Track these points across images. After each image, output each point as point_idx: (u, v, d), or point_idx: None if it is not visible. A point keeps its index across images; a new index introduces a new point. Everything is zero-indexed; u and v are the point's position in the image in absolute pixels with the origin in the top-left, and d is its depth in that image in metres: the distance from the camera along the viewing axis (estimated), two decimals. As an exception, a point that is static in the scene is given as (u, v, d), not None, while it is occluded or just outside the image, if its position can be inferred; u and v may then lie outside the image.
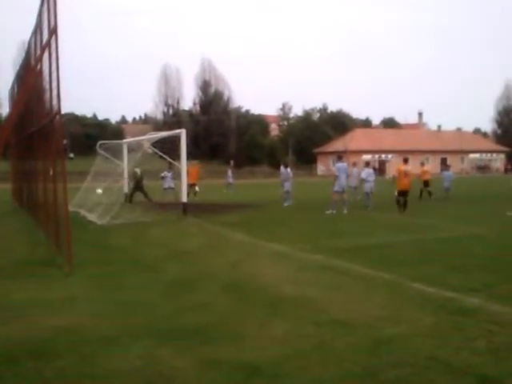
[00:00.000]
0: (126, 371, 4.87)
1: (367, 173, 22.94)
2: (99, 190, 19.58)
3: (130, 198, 24.22)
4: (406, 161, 20.56)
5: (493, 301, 6.98)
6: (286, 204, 23.82)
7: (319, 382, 4.55)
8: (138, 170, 24.64)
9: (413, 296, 7.37)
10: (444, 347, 5.34)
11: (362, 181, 22.95)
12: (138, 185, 24.81)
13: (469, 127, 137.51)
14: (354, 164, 27.61)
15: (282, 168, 25.48)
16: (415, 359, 5.02)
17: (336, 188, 20.23)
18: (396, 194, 20.04)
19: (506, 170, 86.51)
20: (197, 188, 28.69)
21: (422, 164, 31.08)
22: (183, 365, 4.99)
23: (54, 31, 9.16)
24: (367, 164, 24.94)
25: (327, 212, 19.85)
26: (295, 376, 4.70)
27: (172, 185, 26.21)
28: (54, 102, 10.07)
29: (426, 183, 27.81)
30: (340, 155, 22.53)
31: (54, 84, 9.74)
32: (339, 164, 20.99)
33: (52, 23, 9.31)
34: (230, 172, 40.12)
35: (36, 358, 5.18)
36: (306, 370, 4.81)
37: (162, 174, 26.93)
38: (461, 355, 5.11)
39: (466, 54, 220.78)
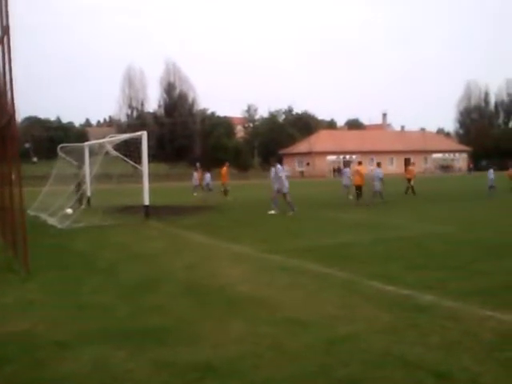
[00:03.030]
0: (78, 375, 4.81)
1: (381, 173, 25.20)
2: (69, 210, 19.10)
3: (87, 201, 23.69)
4: (360, 163, 27.44)
5: (447, 297, 7.08)
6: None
7: (272, 381, 4.55)
8: (81, 172, 24.07)
9: (369, 294, 7.43)
10: (398, 343, 5.39)
11: (381, 180, 24.87)
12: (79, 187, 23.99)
13: (432, 127, 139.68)
14: (347, 164, 29.14)
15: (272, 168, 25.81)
16: (369, 356, 5.05)
17: (285, 190, 20.43)
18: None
19: (469, 169, 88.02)
20: (227, 188, 31.02)
21: (413, 164, 36.73)
22: (137, 367, 4.95)
23: (6, 31, 8.96)
24: (378, 165, 27.20)
25: (289, 214, 19.91)
26: (248, 375, 4.69)
27: None
28: (9, 104, 9.87)
29: (409, 181, 30.13)
30: (279, 157, 22.61)
31: (8, 86, 9.55)
32: (279, 166, 21.21)
33: (4, 22, 9.11)
34: (195, 175, 39.90)
35: (-14, 364, 5.07)
36: (259, 369, 4.80)
37: None
38: (415, 351, 5.16)
39: (428, 56, 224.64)
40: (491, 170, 29.64)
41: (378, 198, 24.33)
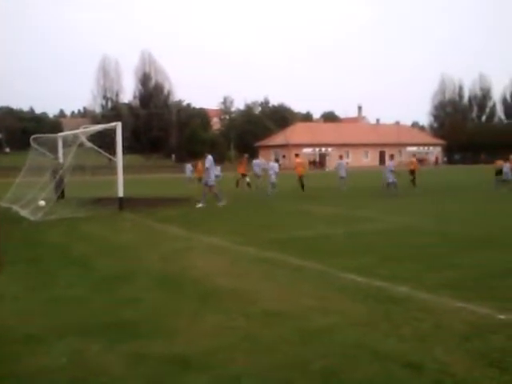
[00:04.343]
0: (51, 369, 4.76)
1: (391, 165, 26.38)
2: (42, 202, 18.83)
3: (61, 193, 23.38)
4: (296, 155, 33.17)
5: (420, 289, 7.16)
6: (271, 192, 26.37)
7: (246, 374, 4.56)
8: (60, 163, 23.74)
9: (344, 286, 7.48)
10: (372, 335, 5.44)
11: (392, 172, 25.70)
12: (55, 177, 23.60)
13: (407, 121, 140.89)
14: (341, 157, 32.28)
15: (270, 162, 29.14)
16: (343, 348, 5.09)
17: (211, 182, 20.63)
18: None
19: (436, 163, 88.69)
20: (248, 179, 31.30)
21: (414, 155, 38.14)
22: (111, 360, 4.92)
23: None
24: (392, 157, 28.72)
25: (219, 204, 20.16)
26: (223, 368, 4.70)
27: None
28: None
29: (413, 172, 30.78)
30: (206, 154, 22.20)
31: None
32: (210, 157, 21.02)
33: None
34: (189, 166, 41.44)
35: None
36: (234, 362, 4.81)
37: None
38: (388, 342, 5.22)
39: (403, 50, 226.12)
40: (508, 164, 29.77)
41: (393, 190, 25.01)
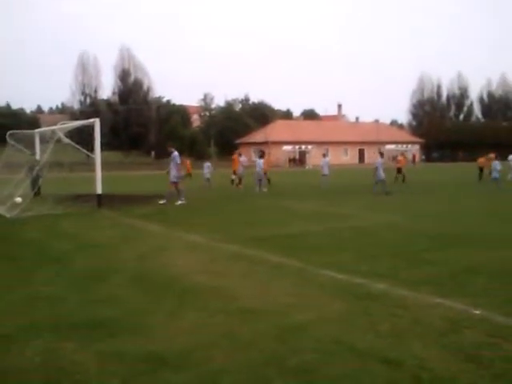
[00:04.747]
0: (24, 368, 4.67)
1: (380, 162, 26.30)
2: (18, 199, 18.55)
3: (37, 189, 23.07)
4: (262, 153, 30.79)
5: (398, 286, 7.19)
6: (263, 190, 26.92)
7: (224, 371, 4.52)
8: (36, 159, 23.46)
9: (322, 283, 7.48)
10: (350, 332, 5.44)
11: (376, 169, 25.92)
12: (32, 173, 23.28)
13: (386, 119, 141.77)
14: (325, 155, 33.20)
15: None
16: (321, 344, 5.08)
17: (175, 179, 20.49)
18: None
19: (413, 161, 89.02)
20: (233, 176, 31.40)
21: (402, 154, 39.85)
22: (86, 359, 4.85)
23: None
24: (381, 155, 28.37)
25: (177, 203, 19.84)
26: (201, 365, 4.66)
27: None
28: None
29: (400, 170, 32.93)
30: (170, 149, 22.00)
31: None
32: (175, 153, 20.85)
33: None
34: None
35: None
36: (212, 360, 4.78)
37: None
38: (366, 339, 5.23)
39: (383, 48, 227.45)
40: (497, 162, 30.18)
41: (380, 187, 25.02)
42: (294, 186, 29.88)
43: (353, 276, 7.79)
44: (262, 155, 29.98)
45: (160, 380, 4.41)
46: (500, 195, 23.35)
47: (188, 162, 43.20)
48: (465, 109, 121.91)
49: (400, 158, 35.31)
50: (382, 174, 25.49)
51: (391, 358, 4.70)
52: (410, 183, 31.92)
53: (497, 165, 29.30)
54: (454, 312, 6.00)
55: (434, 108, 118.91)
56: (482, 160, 34.76)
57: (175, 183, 20.51)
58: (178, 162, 20.70)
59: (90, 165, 25.12)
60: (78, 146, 21.30)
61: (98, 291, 7.28)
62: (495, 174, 28.96)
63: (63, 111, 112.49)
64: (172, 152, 20.96)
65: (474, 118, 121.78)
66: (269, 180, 31.31)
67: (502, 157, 33.65)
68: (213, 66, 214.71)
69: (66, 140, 20.92)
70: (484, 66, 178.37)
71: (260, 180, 27.43)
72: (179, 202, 19.96)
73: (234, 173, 31.57)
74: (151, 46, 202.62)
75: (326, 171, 30.53)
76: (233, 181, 31.25)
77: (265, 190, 27.27)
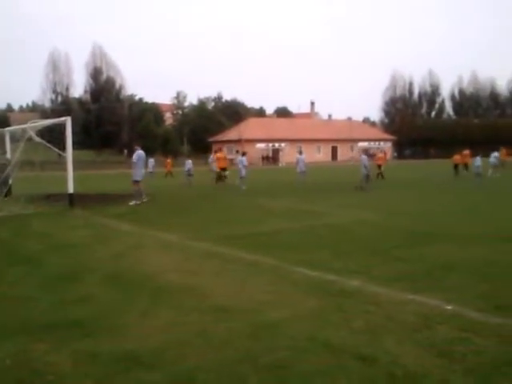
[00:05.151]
0: (-5, 371, 4.59)
1: (365, 159, 26.93)
2: None
3: (8, 189, 22.63)
4: (219, 150, 33.83)
5: (371, 282, 7.25)
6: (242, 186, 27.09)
7: (198, 369, 4.51)
8: (7, 158, 23.06)
9: (296, 280, 7.50)
10: (324, 328, 5.46)
11: (365, 167, 26.28)
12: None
13: (358, 116, 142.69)
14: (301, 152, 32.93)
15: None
16: (295, 342, 5.10)
17: (136, 177, 20.14)
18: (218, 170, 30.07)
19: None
20: (226, 173, 30.78)
21: (381, 151, 39.80)
22: (59, 360, 4.79)
23: None
24: (366, 151, 27.98)
25: (131, 203, 19.49)
26: (175, 364, 4.64)
27: None
28: None
29: (379, 167, 33.21)
30: (137, 144, 21.82)
31: None
32: (139, 152, 20.49)
33: None
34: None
35: None
36: (186, 358, 4.76)
37: None
38: (339, 335, 5.25)
39: (355, 46, 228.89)
40: (478, 158, 30.68)
41: (365, 183, 25.27)
42: (268, 183, 29.93)
43: (327, 273, 7.82)
44: (244, 153, 30.48)
45: (134, 379, 4.38)
46: (476, 192, 23.55)
47: (169, 160, 44.85)
48: (436, 106, 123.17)
49: (380, 155, 35.87)
50: (364, 171, 25.89)
51: (365, 355, 4.73)
52: (385, 180, 32.18)
53: (477, 161, 29.93)
54: (426, 308, 6.07)
55: (405, 105, 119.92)
56: (457, 157, 35.69)
57: (137, 182, 20.14)
58: (135, 161, 20.22)
59: (61, 164, 24.74)
60: (49, 145, 21.00)
61: (72, 291, 7.21)
62: (478, 170, 29.61)
63: (34, 109, 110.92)
64: (136, 150, 20.70)
65: (445, 115, 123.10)
66: (225, 177, 31.22)
67: (475, 154, 34.32)
68: (186, 63, 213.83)
69: (37, 139, 20.60)
70: (455, 64, 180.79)
71: (243, 177, 27.74)
72: (133, 202, 19.50)
73: (224, 169, 31.03)
74: (123, 43, 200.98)
75: (302, 168, 30.61)
76: (224, 177, 31.13)
77: (244, 187, 27.28)
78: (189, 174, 32.64)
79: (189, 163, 32.89)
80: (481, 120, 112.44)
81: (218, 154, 32.49)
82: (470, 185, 26.79)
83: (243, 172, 27.86)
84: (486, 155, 36.61)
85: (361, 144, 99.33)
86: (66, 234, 12.68)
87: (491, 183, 27.74)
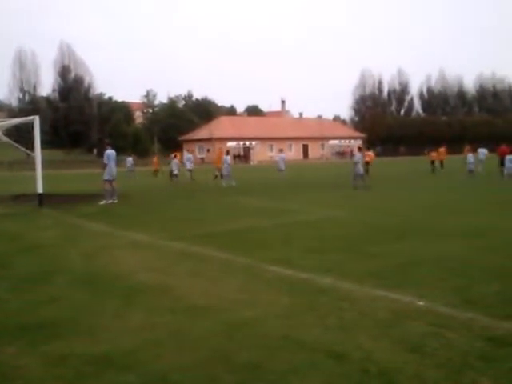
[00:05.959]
0: (-39, 376, 4.48)
1: (359, 157, 26.84)
2: None
3: None
4: (219, 149, 33.81)
5: (344, 279, 7.28)
6: (226, 184, 28.12)
7: (172, 369, 4.48)
8: None
9: (270, 279, 7.51)
10: (297, 326, 5.47)
11: (357, 163, 26.00)
12: None
13: (329, 115, 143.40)
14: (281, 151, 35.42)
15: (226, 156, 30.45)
16: (269, 340, 5.10)
17: (107, 177, 19.94)
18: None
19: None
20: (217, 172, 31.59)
21: (368, 149, 42.74)
22: (29, 363, 4.70)
23: None
24: (359, 149, 29.84)
25: (101, 203, 19.27)
26: (148, 365, 4.60)
27: None
28: None
29: (367, 164, 33.29)
30: (108, 143, 21.56)
31: None
32: (109, 151, 20.33)
33: None
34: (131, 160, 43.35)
35: None
36: (159, 358, 4.72)
37: None
38: (313, 333, 5.26)
39: (325, 44, 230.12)
40: (470, 154, 30.94)
41: (360, 182, 25.14)
42: (241, 182, 29.89)
43: (299, 271, 7.85)
44: (227, 152, 32.28)
45: (107, 381, 4.33)
46: (455, 189, 23.81)
47: (155, 158, 45.95)
48: (405, 104, 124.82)
49: (369, 152, 36.58)
50: (360, 169, 25.91)
51: (339, 352, 4.75)
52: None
53: (470, 157, 30.39)
54: (398, 304, 6.13)
55: (375, 103, 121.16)
56: (433, 154, 36.75)
57: (109, 181, 19.91)
58: (105, 161, 20.02)
59: (30, 163, 24.40)
60: (16, 145, 20.69)
61: (41, 293, 7.09)
62: (470, 166, 30.03)
63: (1, 109, 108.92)
64: (106, 149, 20.48)
65: (414, 113, 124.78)
66: (216, 176, 31.62)
67: (450, 151, 35.29)
68: (155, 62, 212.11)
69: (5, 138, 20.30)
70: (423, 62, 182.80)
71: (227, 175, 29.02)
72: (103, 202, 19.30)
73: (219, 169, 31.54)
74: (92, 42, 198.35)
75: (282, 166, 31.14)
76: (216, 176, 31.67)
77: (224, 184, 28.14)
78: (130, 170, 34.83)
79: (175, 162, 32.51)
80: (449, 117, 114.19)
81: (218, 153, 33.55)
82: (450, 181, 27.13)
83: (227, 170, 29.03)
84: (459, 152, 37.35)
85: (331, 142, 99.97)
86: (35, 235, 12.49)
87: (480, 179, 28.14)
